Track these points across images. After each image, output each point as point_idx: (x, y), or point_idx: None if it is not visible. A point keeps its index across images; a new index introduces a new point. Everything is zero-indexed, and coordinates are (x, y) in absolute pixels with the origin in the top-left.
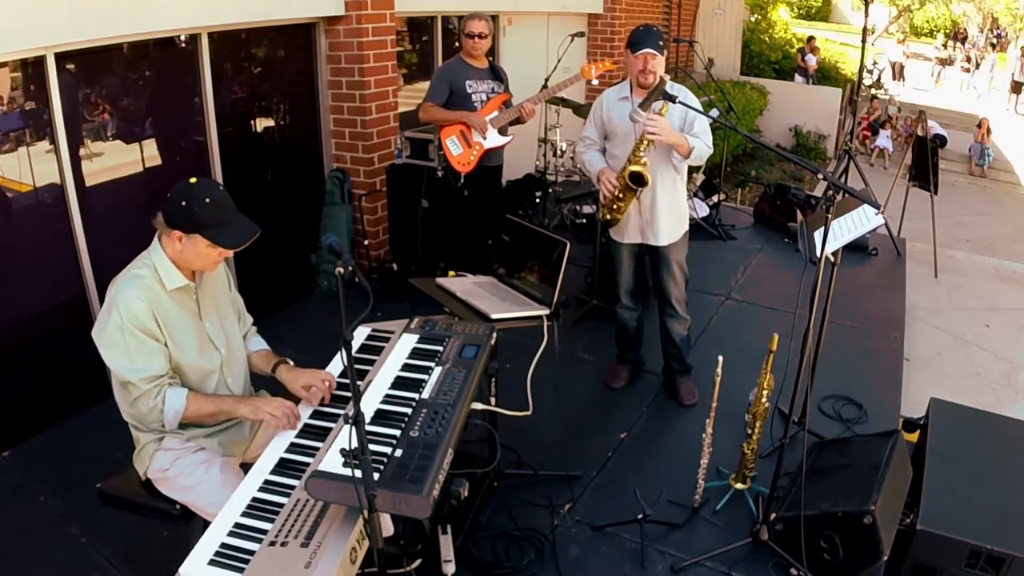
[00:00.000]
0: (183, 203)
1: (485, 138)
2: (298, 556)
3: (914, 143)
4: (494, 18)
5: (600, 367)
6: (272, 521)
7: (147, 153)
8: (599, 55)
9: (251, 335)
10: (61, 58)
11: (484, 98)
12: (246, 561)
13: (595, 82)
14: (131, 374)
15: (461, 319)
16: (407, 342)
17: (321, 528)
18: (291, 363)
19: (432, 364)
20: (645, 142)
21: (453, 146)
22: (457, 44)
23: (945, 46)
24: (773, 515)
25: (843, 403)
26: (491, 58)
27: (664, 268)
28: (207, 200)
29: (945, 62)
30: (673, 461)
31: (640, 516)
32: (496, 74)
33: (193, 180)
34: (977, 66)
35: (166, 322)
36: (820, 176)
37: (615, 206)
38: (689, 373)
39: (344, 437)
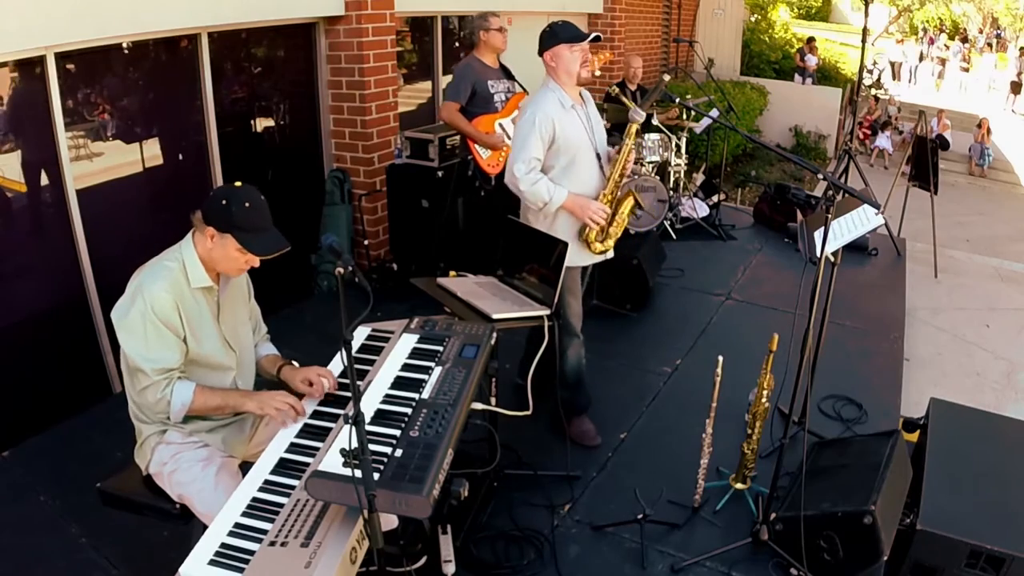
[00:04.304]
0: (224, 202)
1: (509, 136)
2: (298, 556)
3: (914, 143)
4: None
5: (600, 367)
6: (272, 521)
7: (147, 153)
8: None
9: (263, 341)
10: (61, 58)
11: (503, 98)
12: (246, 561)
13: (597, 72)
14: (145, 362)
15: (461, 319)
16: (407, 342)
17: (321, 528)
18: (296, 364)
19: (432, 364)
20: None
21: (482, 149)
22: (457, 44)
23: (940, 43)
24: (773, 515)
25: (843, 403)
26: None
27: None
28: (247, 204)
29: (942, 61)
30: (673, 461)
31: (640, 516)
32: (509, 73)
33: (239, 184)
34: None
35: (188, 317)
36: (820, 176)
37: (610, 231)
38: (587, 409)
39: (344, 437)
